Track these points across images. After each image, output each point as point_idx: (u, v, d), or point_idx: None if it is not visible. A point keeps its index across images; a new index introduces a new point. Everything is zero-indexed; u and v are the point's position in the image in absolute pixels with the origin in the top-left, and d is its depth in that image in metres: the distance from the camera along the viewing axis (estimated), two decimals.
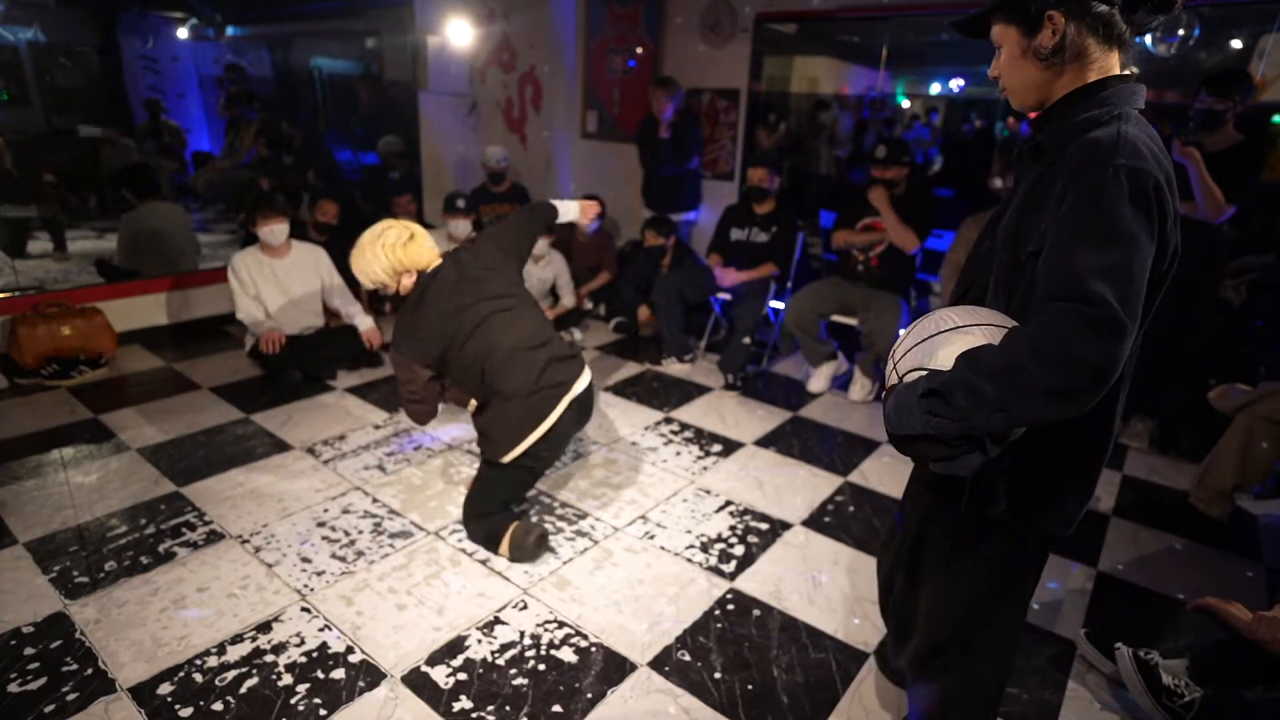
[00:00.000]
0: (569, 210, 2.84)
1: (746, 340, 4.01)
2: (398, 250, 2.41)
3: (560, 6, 5.35)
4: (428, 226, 4.77)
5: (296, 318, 3.83)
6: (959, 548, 1.47)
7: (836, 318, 3.92)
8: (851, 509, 2.84)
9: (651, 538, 2.60)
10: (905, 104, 5.19)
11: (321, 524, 2.58)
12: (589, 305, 5.03)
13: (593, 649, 2.07)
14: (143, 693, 1.84)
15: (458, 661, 2.00)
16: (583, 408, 2.50)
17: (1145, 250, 1.05)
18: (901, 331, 1.29)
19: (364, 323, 3.91)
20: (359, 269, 2.45)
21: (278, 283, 3.75)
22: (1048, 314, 1.04)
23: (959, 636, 1.51)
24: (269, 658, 1.98)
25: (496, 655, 2.03)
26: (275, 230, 3.66)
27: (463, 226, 4.42)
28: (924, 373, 1.16)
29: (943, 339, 1.17)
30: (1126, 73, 1.21)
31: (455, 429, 3.34)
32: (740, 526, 2.70)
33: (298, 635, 2.06)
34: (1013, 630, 1.50)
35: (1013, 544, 1.40)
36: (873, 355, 3.79)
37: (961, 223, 3.75)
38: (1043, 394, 1.02)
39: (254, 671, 1.93)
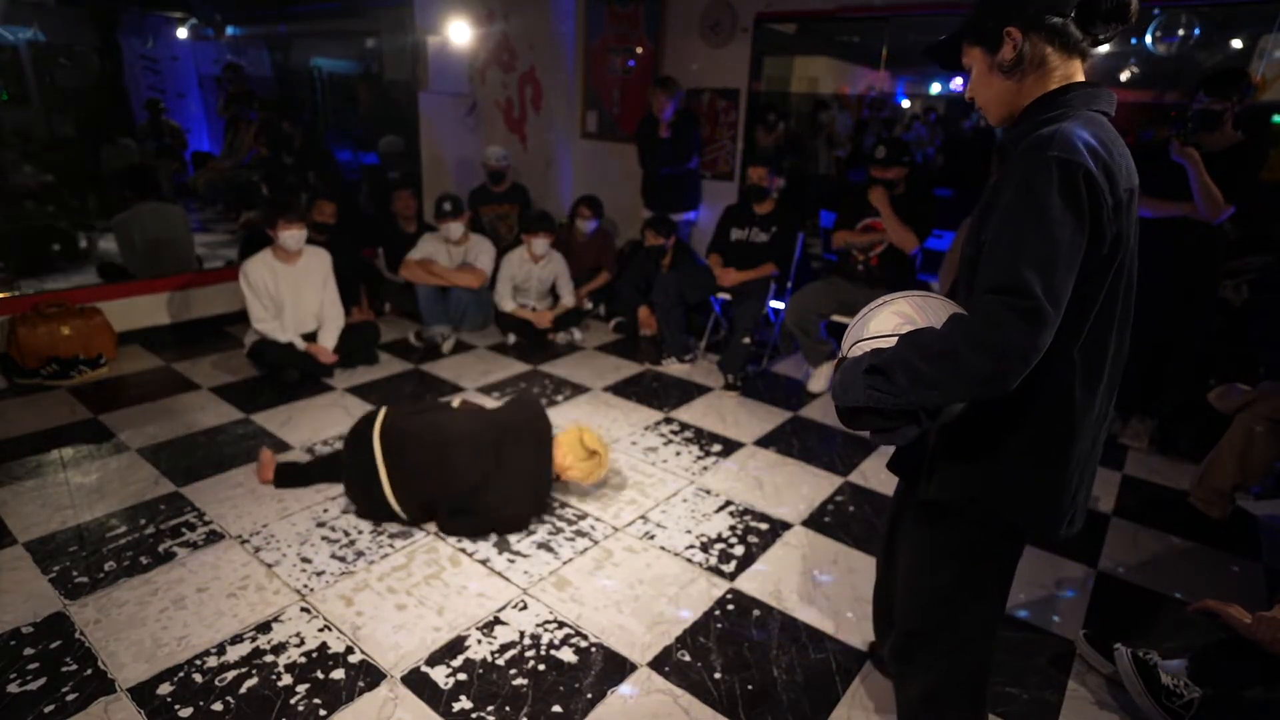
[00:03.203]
0: None
1: (746, 340, 4.01)
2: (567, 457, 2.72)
3: (560, 6, 5.35)
4: (428, 227, 4.78)
5: (302, 321, 3.85)
6: (923, 534, 1.50)
7: (836, 318, 3.92)
8: (851, 509, 2.84)
9: (651, 538, 2.60)
10: (905, 104, 5.19)
11: (321, 524, 2.58)
12: (589, 305, 5.03)
13: (593, 649, 2.07)
14: (142, 693, 1.84)
15: (458, 661, 2.00)
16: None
17: (1074, 239, 1.13)
18: None
19: (327, 338, 3.85)
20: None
21: (288, 287, 3.75)
22: (983, 304, 1.14)
23: (929, 626, 1.52)
24: (269, 658, 1.98)
25: (496, 655, 2.03)
26: (295, 235, 3.66)
27: (455, 229, 4.43)
28: (863, 343, 1.29)
29: (873, 313, 1.32)
30: (1086, 80, 1.28)
31: None
32: (740, 526, 2.70)
33: (297, 635, 2.06)
34: (984, 622, 1.50)
35: (976, 533, 1.41)
36: None
37: (961, 223, 3.75)
38: (972, 375, 1.13)
39: (254, 672, 1.93)
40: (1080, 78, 1.27)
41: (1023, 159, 1.17)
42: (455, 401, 2.86)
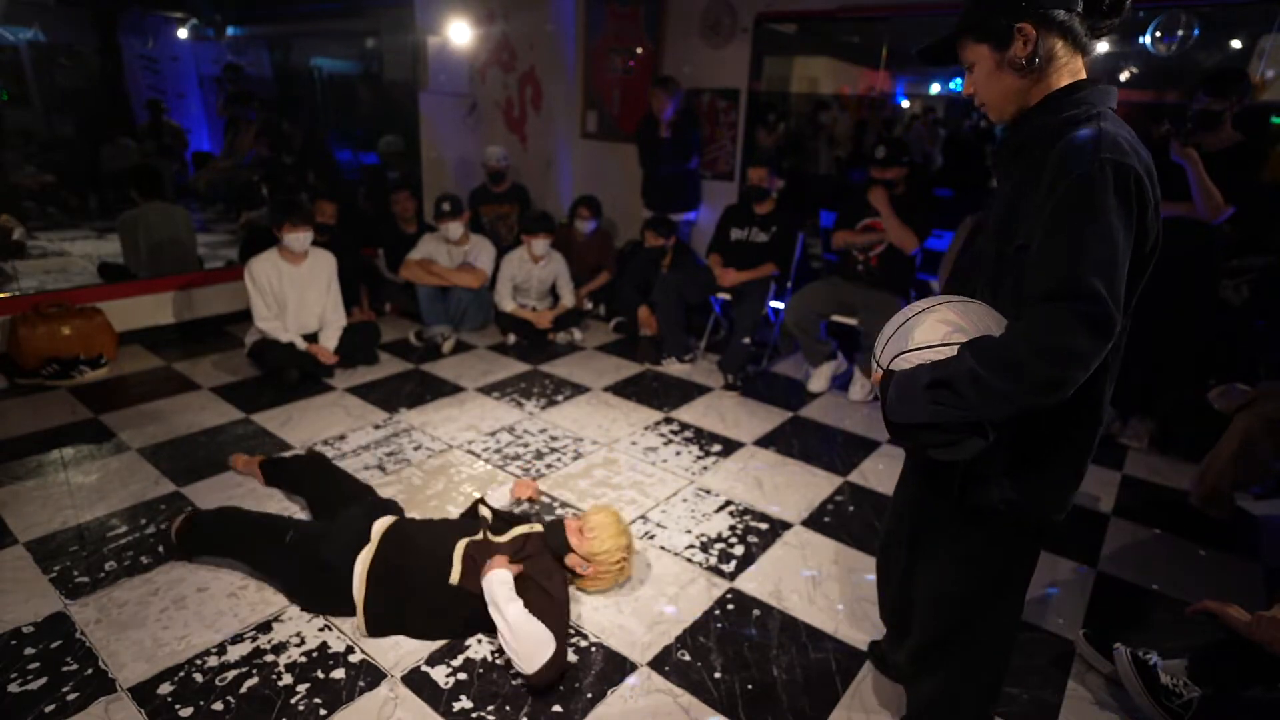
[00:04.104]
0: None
1: (746, 340, 4.01)
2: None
3: (560, 6, 5.35)
4: (428, 227, 4.78)
5: (305, 322, 3.86)
6: (954, 539, 1.48)
7: (836, 318, 3.92)
8: (851, 509, 2.84)
9: (651, 538, 2.60)
10: (905, 104, 5.19)
11: None
12: (589, 305, 5.03)
13: (593, 649, 2.07)
14: (143, 693, 1.84)
15: (458, 661, 2.00)
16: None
17: (1127, 241, 1.13)
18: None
19: (328, 339, 3.87)
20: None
21: (292, 287, 3.76)
22: (1047, 311, 1.11)
23: (956, 628, 1.51)
24: (269, 658, 1.98)
25: (496, 655, 2.03)
26: (300, 238, 3.67)
27: (455, 229, 4.43)
28: (909, 354, 1.24)
29: (914, 321, 1.27)
30: (1095, 78, 1.28)
31: (454, 428, 3.34)
32: (740, 526, 2.70)
33: (298, 635, 2.06)
34: (1009, 620, 1.51)
35: (1007, 533, 1.41)
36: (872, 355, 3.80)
37: (961, 223, 3.74)
38: (1039, 384, 1.11)
39: (254, 671, 1.93)
40: (1084, 74, 1.26)
41: (1071, 163, 1.14)
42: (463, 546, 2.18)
